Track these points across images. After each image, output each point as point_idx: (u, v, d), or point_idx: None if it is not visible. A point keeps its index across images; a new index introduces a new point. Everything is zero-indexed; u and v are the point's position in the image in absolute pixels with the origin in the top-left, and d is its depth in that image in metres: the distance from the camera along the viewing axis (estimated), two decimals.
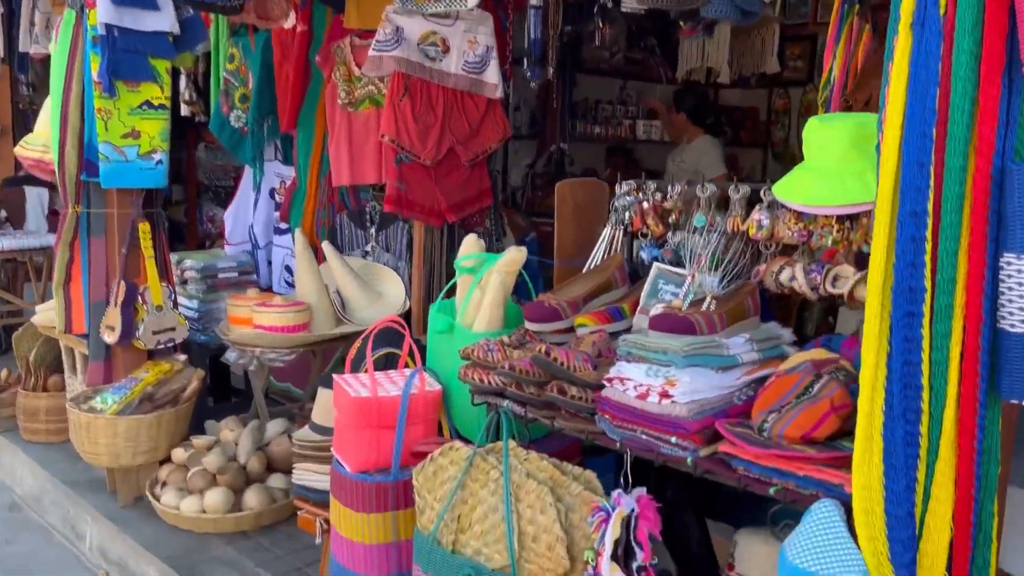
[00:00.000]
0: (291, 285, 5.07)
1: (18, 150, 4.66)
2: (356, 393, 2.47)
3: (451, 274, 4.49)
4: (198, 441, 3.95)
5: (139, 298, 4.02)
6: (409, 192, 4.04)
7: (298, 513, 2.83)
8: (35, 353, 4.77)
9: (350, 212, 4.74)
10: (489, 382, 2.18)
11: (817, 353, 1.88)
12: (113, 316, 3.99)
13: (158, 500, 3.76)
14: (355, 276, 4.39)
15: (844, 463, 1.65)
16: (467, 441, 2.30)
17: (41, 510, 4.40)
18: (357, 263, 4.59)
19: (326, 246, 4.36)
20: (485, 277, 2.51)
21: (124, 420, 3.80)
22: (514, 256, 2.42)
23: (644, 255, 2.47)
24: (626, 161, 6.14)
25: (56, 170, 4.17)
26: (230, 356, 4.32)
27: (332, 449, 2.61)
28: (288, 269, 5.10)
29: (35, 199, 6.60)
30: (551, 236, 5.88)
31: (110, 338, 4.01)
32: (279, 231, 5.16)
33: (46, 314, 4.54)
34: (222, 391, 5.14)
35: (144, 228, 4.07)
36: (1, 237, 5.79)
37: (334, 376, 2.60)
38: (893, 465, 1.53)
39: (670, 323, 1.93)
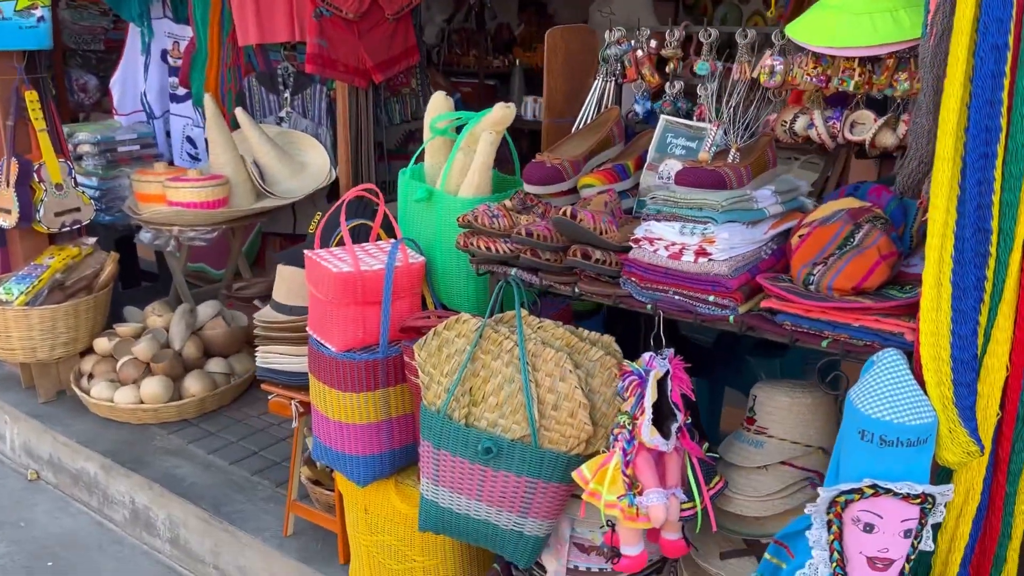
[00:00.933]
0: (193, 158, 4.66)
1: None
2: (337, 269, 2.28)
3: (379, 141, 4.25)
4: (123, 329, 3.66)
5: (34, 176, 3.59)
6: (331, 50, 3.70)
7: (269, 398, 2.66)
8: None
9: (259, 75, 4.34)
10: (497, 250, 2.04)
11: (849, 202, 1.83)
12: (6, 197, 3.56)
13: (87, 393, 3.49)
14: (273, 145, 4.06)
15: (900, 312, 1.63)
16: (454, 313, 2.17)
17: None
18: (272, 131, 4.24)
19: (239, 112, 3.98)
20: (468, 138, 2.32)
21: (37, 311, 3.46)
22: (504, 114, 2.23)
23: (639, 108, 2.33)
24: (539, 17, 5.86)
25: None
26: (144, 237, 3.96)
27: (308, 328, 2.43)
28: (190, 140, 4.67)
29: None
30: (473, 97, 5.62)
31: (6, 222, 3.59)
32: (176, 98, 4.69)
33: None
34: (130, 276, 4.77)
35: (31, 97, 3.59)
36: None
37: (307, 252, 2.39)
38: (961, 310, 1.51)
39: (700, 177, 1.83)
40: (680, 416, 1.83)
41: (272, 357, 2.67)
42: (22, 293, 3.57)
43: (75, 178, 3.76)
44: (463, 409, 2.06)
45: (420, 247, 2.44)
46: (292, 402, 2.61)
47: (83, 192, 3.79)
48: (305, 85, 4.30)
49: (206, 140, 3.96)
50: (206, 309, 3.79)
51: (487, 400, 2.05)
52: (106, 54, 5.14)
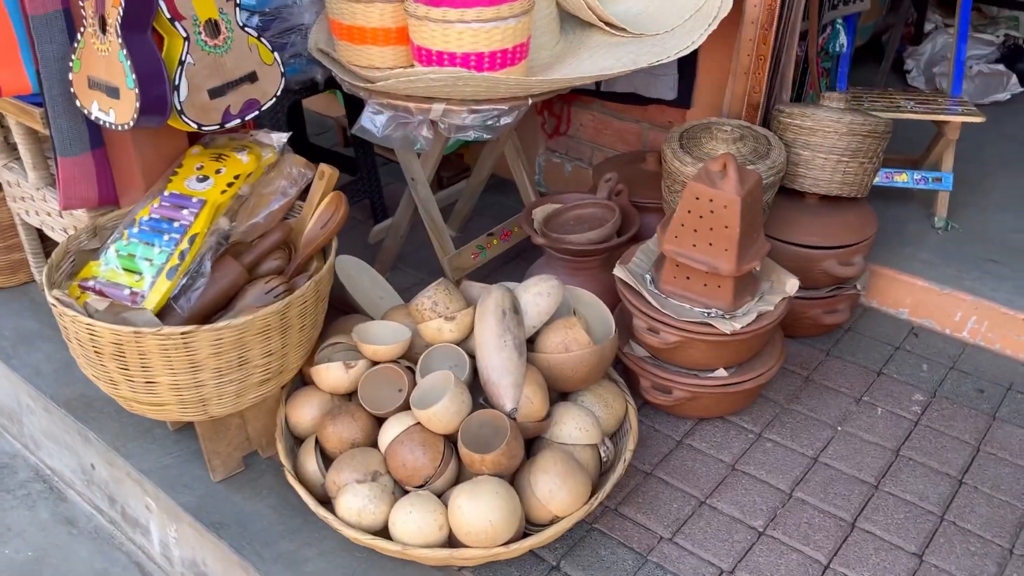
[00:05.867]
0: None
1: None
2: None
3: None
4: (375, 349, 1.73)
5: (162, 7, 1.56)
6: None
7: None
8: None
9: None
10: None
11: None
12: (110, 59, 1.55)
13: (324, 504, 1.62)
14: None
15: None
16: None
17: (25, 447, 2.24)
18: None
19: None
20: None
21: (208, 334, 1.52)
22: None
23: None
24: None
25: None
26: (372, 122, 1.96)
27: None
28: None
29: None
30: None
31: (111, 113, 1.60)
32: None
33: None
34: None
35: None
36: None
37: None
38: None
39: None
40: None
41: None
42: (161, 276, 1.64)
43: (238, 4, 1.71)
44: None
45: None
46: None
47: (257, 38, 1.75)
48: None
49: None
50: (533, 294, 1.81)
51: None
52: None
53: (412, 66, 1.98)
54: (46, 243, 2.40)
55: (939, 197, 2.56)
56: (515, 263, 2.60)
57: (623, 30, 2.04)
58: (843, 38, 2.52)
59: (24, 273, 2.45)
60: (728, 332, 1.79)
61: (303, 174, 1.90)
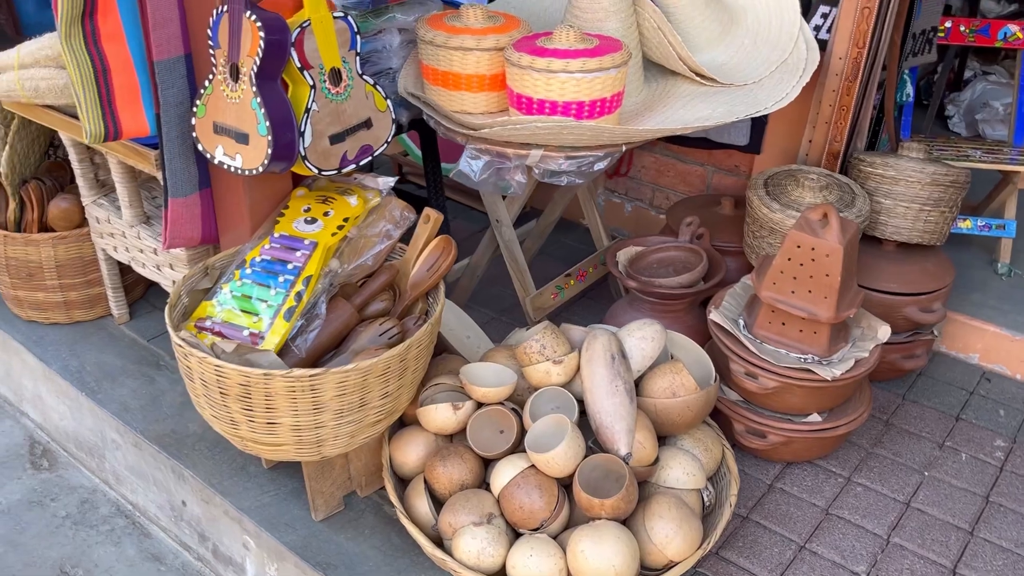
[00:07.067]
0: None
1: None
2: None
3: None
4: (487, 391, 1.75)
5: (292, 55, 1.60)
6: None
7: None
8: (9, 157, 2.31)
9: None
10: None
11: None
12: (241, 106, 1.59)
13: (440, 545, 1.64)
14: None
15: None
16: None
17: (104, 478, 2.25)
18: None
19: None
20: None
21: (334, 376, 1.55)
22: None
23: None
24: None
25: None
26: (470, 167, 2.00)
27: None
28: None
29: None
30: None
31: (237, 159, 1.64)
32: None
33: (27, 76, 2.04)
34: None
35: None
36: None
37: None
38: None
39: None
40: None
41: None
42: (279, 317, 1.66)
43: (358, 51, 1.75)
44: None
45: None
46: None
47: (373, 86, 1.79)
48: None
49: None
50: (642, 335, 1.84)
51: None
52: None
53: (504, 111, 2.02)
54: (124, 277, 2.43)
55: (1002, 244, 2.61)
56: (582, 302, 2.63)
57: (713, 80, 2.10)
58: (909, 88, 2.59)
59: (101, 307, 2.47)
60: (829, 378, 1.82)
61: (405, 216, 1.94)
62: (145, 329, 2.44)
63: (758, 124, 2.52)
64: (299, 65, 1.62)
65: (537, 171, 2.00)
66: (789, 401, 1.90)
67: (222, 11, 1.59)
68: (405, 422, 1.89)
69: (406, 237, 1.96)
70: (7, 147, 2.25)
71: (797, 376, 1.84)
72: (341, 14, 1.69)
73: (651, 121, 2.03)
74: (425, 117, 2.12)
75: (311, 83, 1.64)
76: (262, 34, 1.53)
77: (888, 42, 2.20)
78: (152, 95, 1.74)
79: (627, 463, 1.64)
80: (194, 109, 1.69)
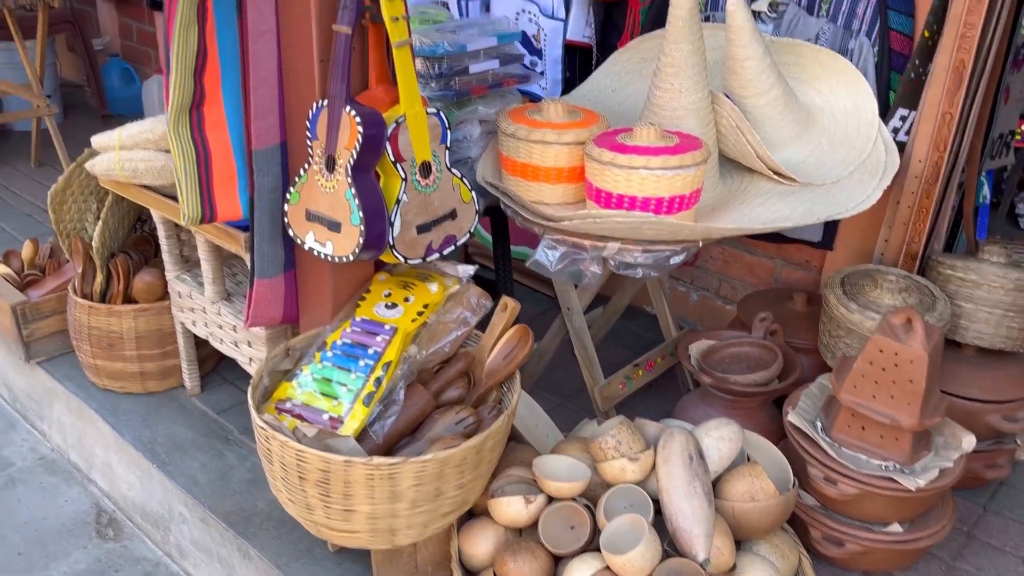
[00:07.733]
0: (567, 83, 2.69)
1: None
2: None
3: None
4: (557, 486, 1.73)
5: (387, 148, 1.65)
6: None
7: None
8: (102, 231, 2.39)
9: None
10: None
11: None
12: (336, 196, 1.64)
13: None
14: (769, 56, 2.08)
15: None
16: None
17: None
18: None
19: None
20: None
21: (412, 466, 1.55)
22: None
23: None
24: None
25: None
26: (547, 257, 2.02)
27: None
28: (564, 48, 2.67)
29: None
30: None
31: (328, 246, 1.68)
32: None
33: (127, 157, 2.12)
34: None
35: None
36: None
37: None
38: None
39: None
40: None
41: None
42: (358, 402, 1.68)
43: (447, 143, 1.80)
44: None
45: None
46: None
47: (460, 178, 1.84)
48: None
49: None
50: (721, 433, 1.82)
51: None
52: None
53: (580, 202, 2.05)
54: (199, 350, 2.48)
55: None
56: (648, 391, 2.60)
57: (791, 179, 2.10)
58: (986, 190, 2.57)
59: (175, 378, 2.51)
60: (913, 488, 1.77)
61: (482, 304, 1.95)
62: (216, 402, 2.47)
63: (832, 221, 2.51)
64: (392, 158, 1.67)
65: (613, 263, 2.02)
66: (869, 509, 1.85)
67: (322, 105, 1.65)
68: (474, 512, 1.88)
69: (481, 323, 1.97)
70: (100, 222, 2.34)
71: (879, 484, 1.79)
72: (434, 110, 1.75)
73: (730, 219, 2.04)
74: (503, 206, 2.16)
75: (403, 176, 1.69)
76: (360, 129, 1.59)
77: (968, 146, 2.20)
78: (248, 180, 1.81)
79: (705, 569, 1.60)
80: (287, 196, 1.75)
